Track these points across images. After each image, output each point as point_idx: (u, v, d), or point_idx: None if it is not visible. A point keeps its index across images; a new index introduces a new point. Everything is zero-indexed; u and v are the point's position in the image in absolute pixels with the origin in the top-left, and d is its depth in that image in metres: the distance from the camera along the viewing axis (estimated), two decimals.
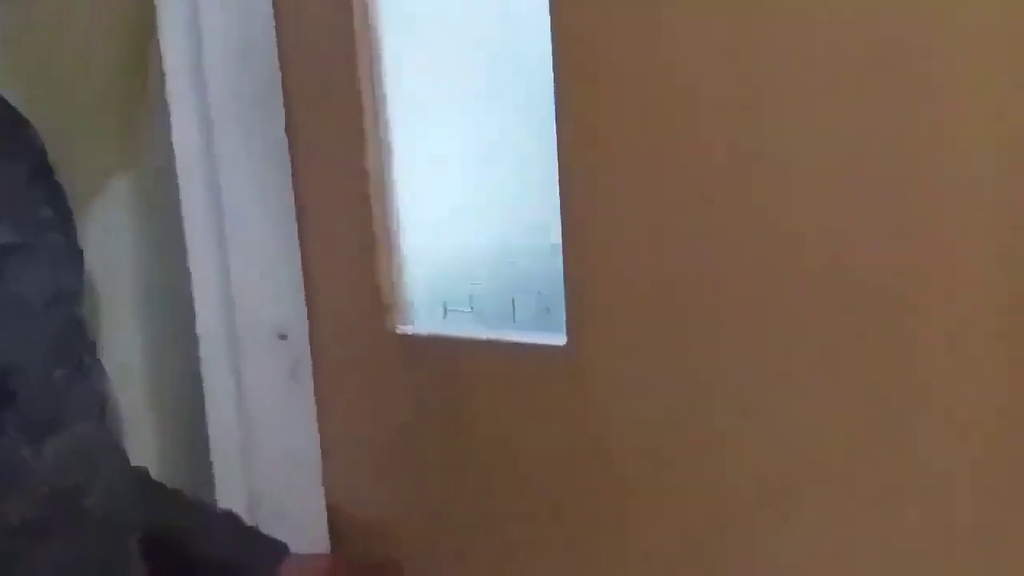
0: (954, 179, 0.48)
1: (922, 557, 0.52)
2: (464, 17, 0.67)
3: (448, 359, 0.68)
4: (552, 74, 0.58)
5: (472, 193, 0.69)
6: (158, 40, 0.69)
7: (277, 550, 0.69)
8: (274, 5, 0.69)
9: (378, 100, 0.69)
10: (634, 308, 0.58)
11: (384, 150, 0.69)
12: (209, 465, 0.71)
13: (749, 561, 0.58)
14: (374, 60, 0.68)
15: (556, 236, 0.61)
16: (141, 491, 0.61)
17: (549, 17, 0.58)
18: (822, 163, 0.52)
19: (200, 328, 0.70)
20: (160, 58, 0.69)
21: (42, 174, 0.53)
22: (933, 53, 0.48)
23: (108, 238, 0.75)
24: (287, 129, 0.69)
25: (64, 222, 0.53)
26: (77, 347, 0.52)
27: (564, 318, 0.61)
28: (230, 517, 0.69)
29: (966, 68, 0.47)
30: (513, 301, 0.65)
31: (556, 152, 0.59)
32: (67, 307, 0.52)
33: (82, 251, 0.55)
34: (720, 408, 0.56)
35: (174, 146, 0.69)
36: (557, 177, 0.59)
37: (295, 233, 0.71)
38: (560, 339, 0.61)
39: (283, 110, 0.70)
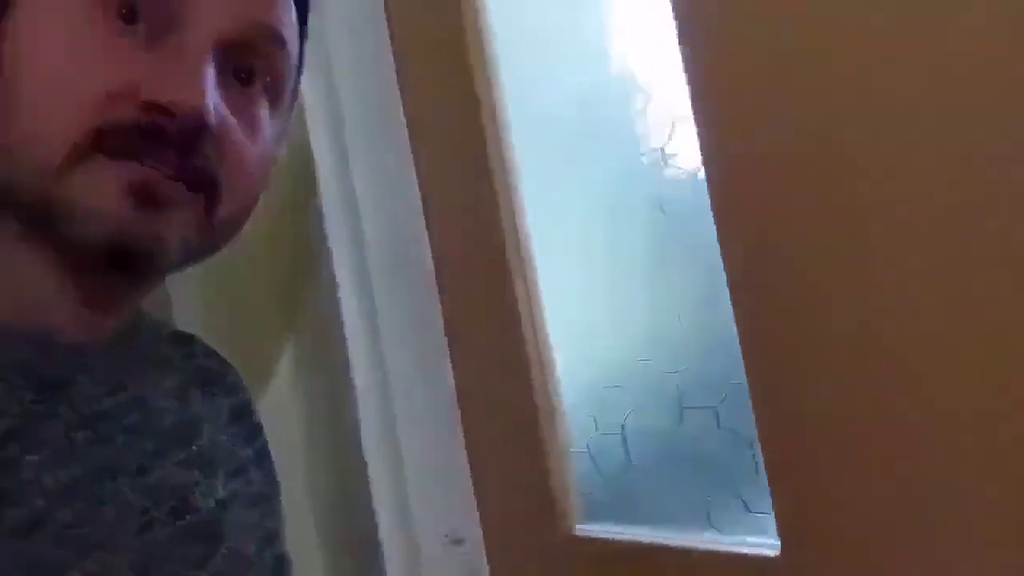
0: None
1: None
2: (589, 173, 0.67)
3: (629, 559, 0.62)
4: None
5: (627, 381, 0.65)
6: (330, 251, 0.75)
7: None
8: (425, 217, 0.74)
9: (529, 292, 0.69)
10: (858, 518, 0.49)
11: (542, 352, 0.68)
12: None
13: None
14: (525, 273, 0.68)
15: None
16: None
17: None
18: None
19: (382, 534, 0.70)
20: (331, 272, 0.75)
21: (243, 412, 0.54)
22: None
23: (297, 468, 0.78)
24: (455, 373, 0.71)
25: (261, 459, 0.54)
26: None
27: (773, 520, 0.52)
28: None
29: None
30: (708, 512, 0.58)
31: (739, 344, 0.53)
32: (274, 548, 0.51)
33: (279, 483, 0.54)
34: None
35: (349, 355, 0.73)
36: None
37: (463, 448, 0.70)
38: (773, 547, 0.53)
39: (439, 304, 0.72)
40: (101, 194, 0.33)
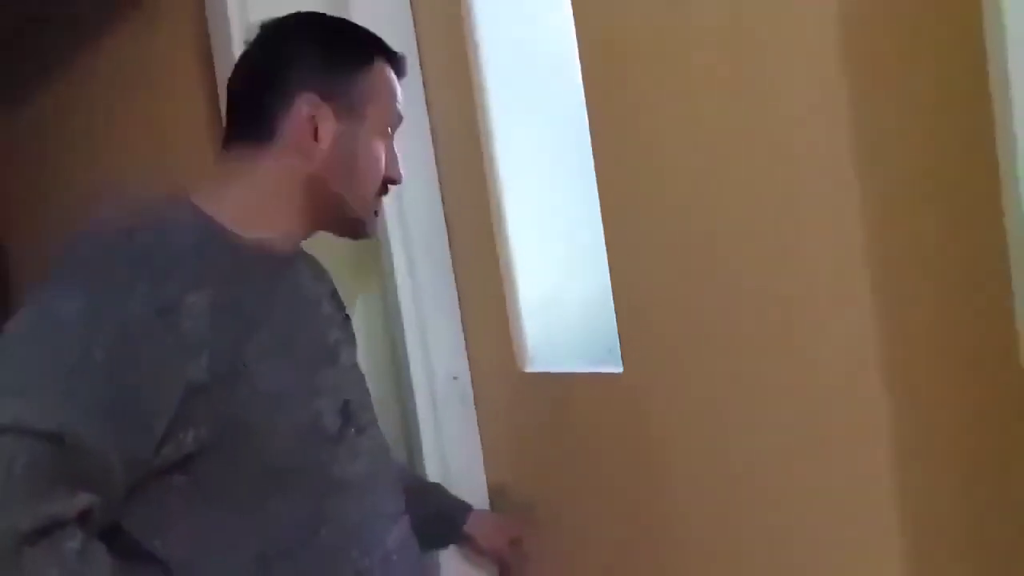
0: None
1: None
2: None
3: (552, 387, 0.97)
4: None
5: (563, 279, 1.02)
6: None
7: (467, 506, 1.01)
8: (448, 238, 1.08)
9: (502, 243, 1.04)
10: (667, 346, 0.81)
11: (507, 259, 1.04)
12: (421, 453, 1.09)
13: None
14: (499, 214, 1.02)
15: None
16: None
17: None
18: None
19: (412, 373, 1.09)
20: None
21: (334, 293, 0.85)
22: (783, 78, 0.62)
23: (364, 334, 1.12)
24: (454, 272, 1.08)
25: (346, 320, 0.84)
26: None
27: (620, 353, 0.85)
28: (436, 486, 1.03)
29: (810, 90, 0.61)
30: (588, 344, 0.94)
31: (604, 243, 0.83)
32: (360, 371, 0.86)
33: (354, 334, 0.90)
34: (723, 411, 0.76)
35: (398, 295, 1.09)
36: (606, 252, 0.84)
37: (460, 322, 1.08)
38: (619, 368, 0.86)
39: (452, 268, 1.08)
40: (373, 212, 0.78)
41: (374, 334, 1.15)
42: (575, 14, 0.87)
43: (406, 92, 0.81)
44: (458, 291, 1.10)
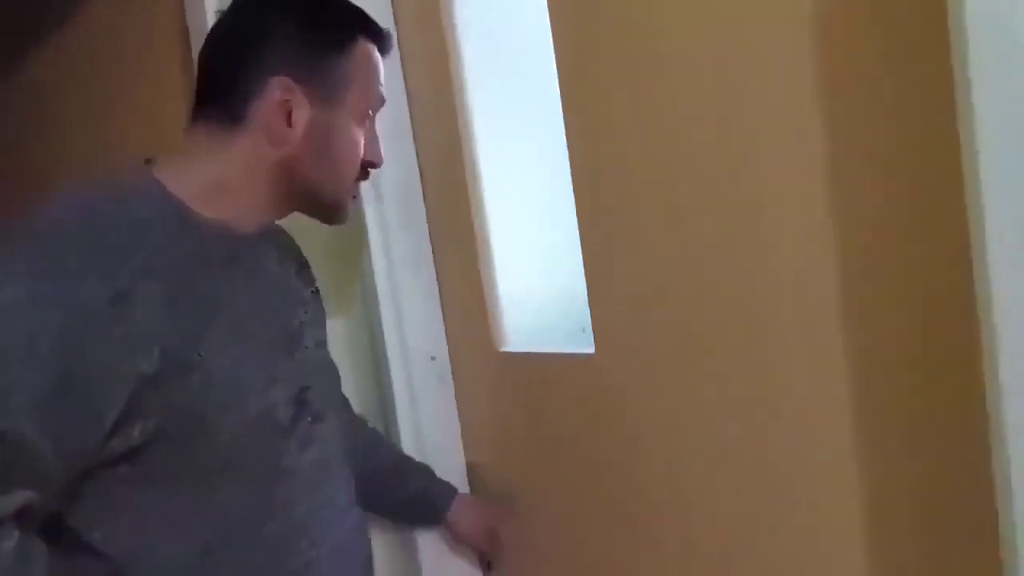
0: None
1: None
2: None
3: (527, 366, 0.99)
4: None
5: (540, 259, 1.03)
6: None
7: (451, 492, 1.00)
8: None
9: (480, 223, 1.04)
10: (638, 328, 0.82)
11: (484, 240, 1.04)
12: (398, 433, 1.09)
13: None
14: (477, 196, 1.03)
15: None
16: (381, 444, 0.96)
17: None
18: None
19: (389, 353, 1.09)
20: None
21: (304, 267, 0.83)
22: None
23: (341, 314, 1.15)
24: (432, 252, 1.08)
25: (315, 295, 0.82)
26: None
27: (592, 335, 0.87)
28: (424, 466, 1.01)
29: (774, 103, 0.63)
30: (565, 324, 0.95)
31: (578, 225, 0.85)
32: (327, 351, 0.84)
33: (325, 312, 0.87)
34: (691, 391, 0.78)
35: (375, 275, 1.08)
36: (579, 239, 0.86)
37: (438, 302, 1.09)
38: (591, 349, 0.88)
39: (430, 249, 1.08)
40: (351, 196, 0.76)
41: (351, 313, 1.15)
42: (549, 5, 0.87)
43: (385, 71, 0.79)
44: (436, 271, 1.10)
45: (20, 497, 0.57)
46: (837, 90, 0.63)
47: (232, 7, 0.73)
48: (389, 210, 1.09)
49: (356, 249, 1.12)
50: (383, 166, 0.81)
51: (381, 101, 0.76)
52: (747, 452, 0.74)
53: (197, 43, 1.09)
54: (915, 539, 0.64)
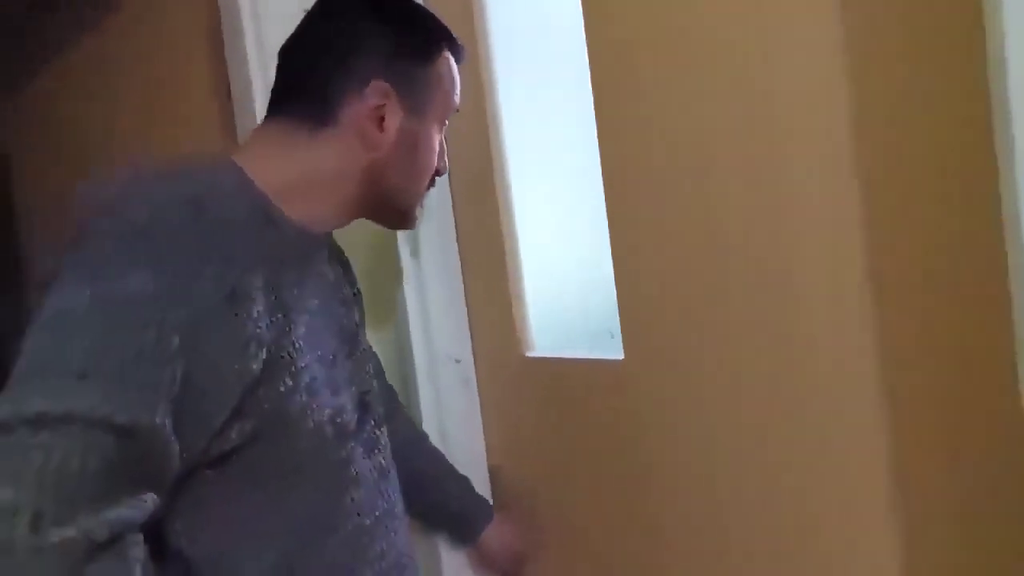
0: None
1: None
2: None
3: (553, 372, 0.99)
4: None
5: (566, 265, 1.03)
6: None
7: (490, 511, 0.95)
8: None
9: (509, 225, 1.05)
10: (667, 334, 0.82)
11: (513, 244, 1.05)
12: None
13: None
14: (505, 200, 1.04)
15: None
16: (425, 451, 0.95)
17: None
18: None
19: (415, 355, 1.09)
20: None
21: (347, 267, 0.81)
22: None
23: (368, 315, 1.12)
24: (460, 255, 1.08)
25: (357, 295, 0.81)
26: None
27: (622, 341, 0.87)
28: (465, 480, 0.96)
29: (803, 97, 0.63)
30: (592, 330, 0.95)
31: (608, 229, 0.85)
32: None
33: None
34: (721, 399, 0.78)
35: (403, 278, 1.09)
36: (610, 247, 0.87)
37: (464, 306, 1.08)
38: (620, 355, 0.88)
39: (457, 252, 1.07)
40: (422, 204, 0.75)
41: (377, 316, 1.16)
42: (584, 7, 0.87)
43: None
44: (463, 275, 1.11)
45: (150, 502, 0.55)
46: (868, 91, 0.63)
47: (322, 8, 0.72)
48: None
49: (385, 252, 1.12)
50: None
51: (456, 110, 0.76)
52: (778, 458, 0.74)
53: (230, 41, 1.10)
54: (951, 547, 0.63)
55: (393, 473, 0.76)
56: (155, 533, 0.60)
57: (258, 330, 0.60)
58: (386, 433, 0.76)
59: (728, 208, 0.75)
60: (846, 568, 0.69)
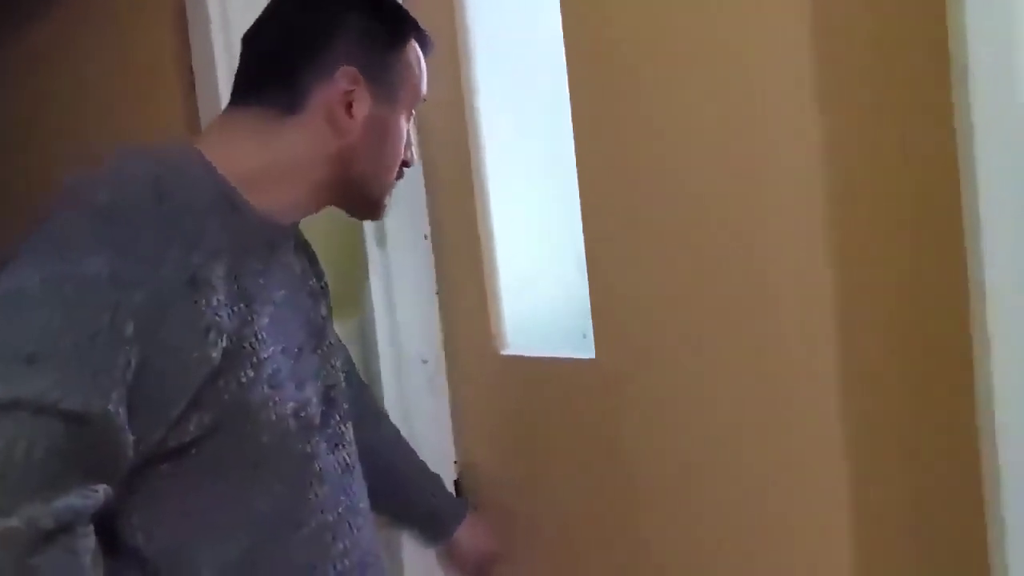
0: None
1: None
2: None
3: (527, 370, 0.99)
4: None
5: (540, 264, 1.03)
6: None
7: (463, 510, 0.95)
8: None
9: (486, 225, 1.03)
10: (639, 333, 0.83)
11: (488, 242, 1.03)
12: None
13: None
14: (482, 195, 1.04)
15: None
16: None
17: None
18: None
19: (381, 355, 1.07)
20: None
21: (314, 260, 0.80)
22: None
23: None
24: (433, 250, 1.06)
25: (324, 288, 0.80)
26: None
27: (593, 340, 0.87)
28: (438, 478, 0.95)
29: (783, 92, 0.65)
30: (565, 329, 0.96)
31: (581, 227, 0.86)
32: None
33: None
34: (692, 398, 0.79)
35: (369, 276, 1.08)
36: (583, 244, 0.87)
37: (434, 305, 1.06)
38: (591, 354, 0.88)
39: (431, 250, 1.05)
40: (390, 193, 0.74)
41: (345, 313, 1.14)
42: (562, 6, 0.88)
43: None
44: (436, 273, 1.09)
45: (101, 492, 0.53)
46: (836, 95, 0.66)
47: None
48: (389, 213, 1.06)
49: (351, 248, 1.10)
50: None
51: (422, 100, 0.76)
52: (748, 456, 0.75)
53: (194, 23, 1.06)
54: (905, 546, 0.65)
55: (358, 469, 0.74)
56: (110, 529, 0.58)
57: (218, 318, 0.58)
58: (351, 429, 0.74)
59: (701, 210, 0.76)
60: (808, 561, 0.72)
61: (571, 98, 0.88)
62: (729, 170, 0.72)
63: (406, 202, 1.08)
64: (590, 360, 0.90)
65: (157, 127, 1.28)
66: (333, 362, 0.74)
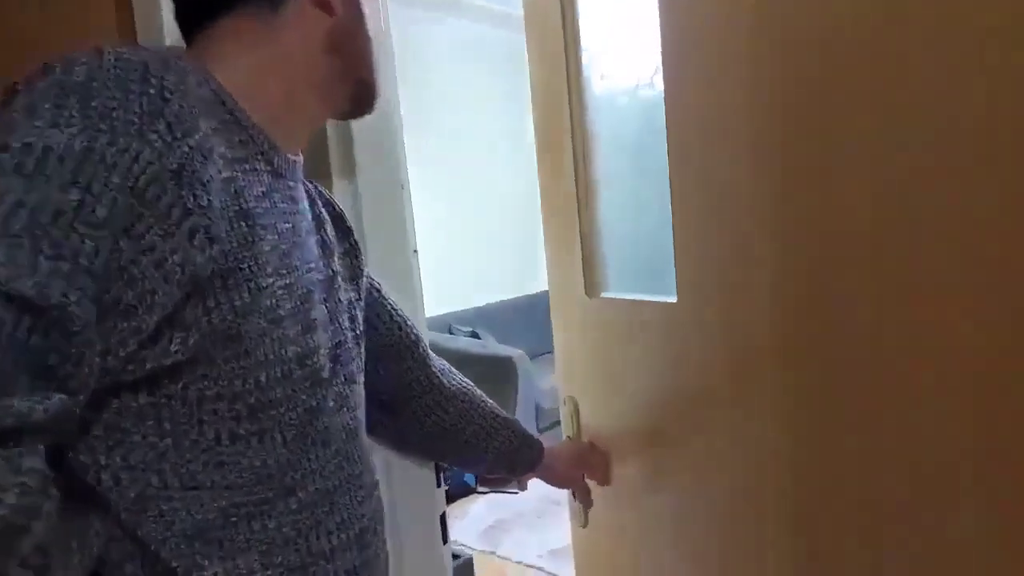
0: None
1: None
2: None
3: (616, 311, 1.05)
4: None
5: (630, 215, 1.08)
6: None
7: (540, 444, 0.99)
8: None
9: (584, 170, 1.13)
10: (713, 282, 0.87)
11: (587, 194, 1.12)
12: None
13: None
14: (583, 151, 1.11)
15: None
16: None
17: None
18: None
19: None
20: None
21: (342, 218, 0.78)
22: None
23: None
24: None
25: (356, 246, 0.77)
26: None
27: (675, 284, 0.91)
28: (515, 422, 0.98)
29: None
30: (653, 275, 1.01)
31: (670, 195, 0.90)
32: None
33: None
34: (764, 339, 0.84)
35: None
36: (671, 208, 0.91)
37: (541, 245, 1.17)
38: (673, 298, 0.93)
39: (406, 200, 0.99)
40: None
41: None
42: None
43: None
44: (544, 215, 1.19)
45: (56, 401, 0.42)
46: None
47: None
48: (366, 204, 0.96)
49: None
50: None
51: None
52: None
53: None
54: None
55: (363, 435, 0.68)
56: (73, 466, 0.51)
57: (209, 222, 0.50)
58: (357, 393, 0.68)
59: (783, 168, 0.78)
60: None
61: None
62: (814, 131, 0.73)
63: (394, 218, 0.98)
64: (672, 303, 0.95)
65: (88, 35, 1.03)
66: (342, 319, 0.66)
